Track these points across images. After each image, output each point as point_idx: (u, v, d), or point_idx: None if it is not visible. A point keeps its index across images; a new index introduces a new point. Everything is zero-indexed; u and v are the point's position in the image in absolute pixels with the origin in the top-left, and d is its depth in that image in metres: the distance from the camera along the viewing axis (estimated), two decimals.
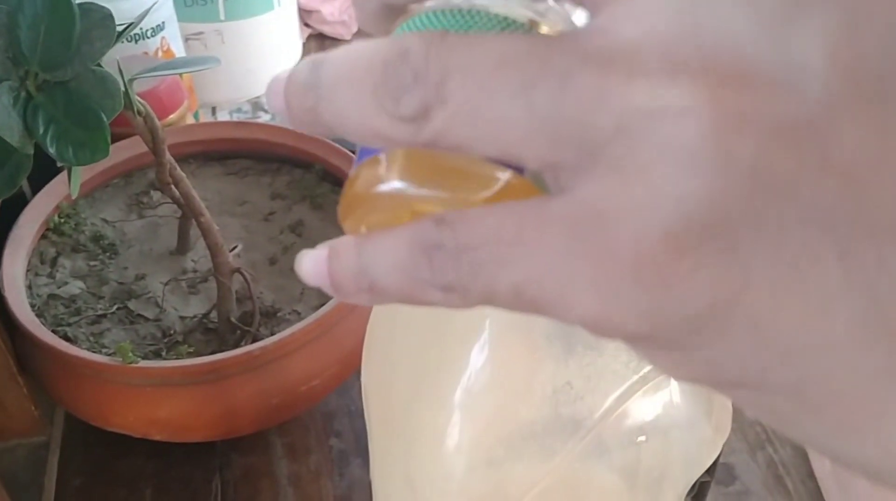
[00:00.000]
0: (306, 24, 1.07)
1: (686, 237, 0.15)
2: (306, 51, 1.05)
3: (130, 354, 0.55)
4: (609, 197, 0.15)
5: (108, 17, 0.48)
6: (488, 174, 0.18)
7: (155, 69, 0.54)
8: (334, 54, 0.18)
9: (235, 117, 0.96)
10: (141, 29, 0.80)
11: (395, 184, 0.19)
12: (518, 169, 0.18)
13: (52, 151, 0.47)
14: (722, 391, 0.17)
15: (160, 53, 0.82)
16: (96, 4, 0.48)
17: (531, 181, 0.18)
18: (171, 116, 0.75)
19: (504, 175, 0.18)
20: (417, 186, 0.19)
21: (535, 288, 0.16)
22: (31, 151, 0.48)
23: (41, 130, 0.47)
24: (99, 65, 0.49)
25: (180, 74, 0.83)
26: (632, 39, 0.15)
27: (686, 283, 0.15)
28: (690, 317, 0.15)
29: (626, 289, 0.15)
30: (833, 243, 0.14)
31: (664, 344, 0.16)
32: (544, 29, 0.19)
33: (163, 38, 0.82)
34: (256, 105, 0.98)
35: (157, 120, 0.55)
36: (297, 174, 0.73)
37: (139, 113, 0.54)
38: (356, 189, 0.20)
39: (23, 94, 0.48)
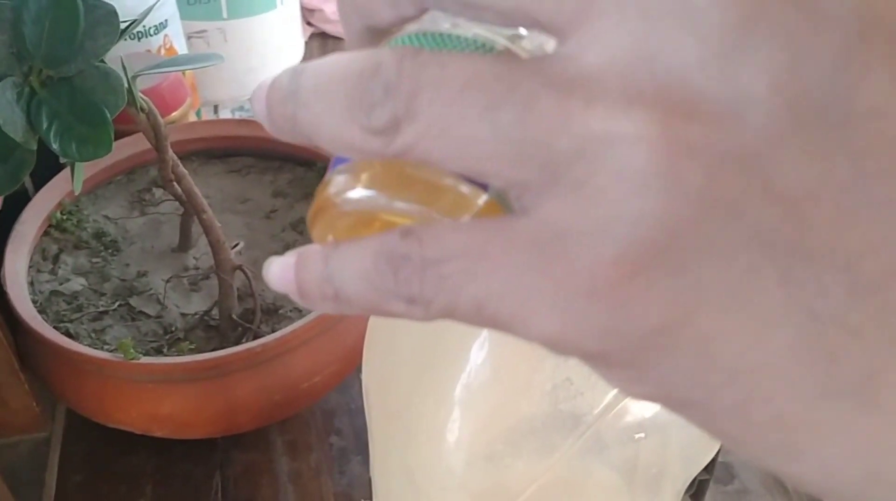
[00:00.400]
0: (309, 23, 1.07)
1: (639, 259, 0.15)
2: (308, 49, 1.05)
3: (132, 350, 0.55)
4: (569, 218, 0.16)
5: (111, 13, 0.48)
6: (456, 191, 0.19)
7: (158, 66, 0.54)
8: (314, 64, 0.18)
9: (237, 115, 0.97)
10: (144, 27, 0.80)
11: (365, 193, 0.20)
12: (485, 186, 0.19)
13: (55, 146, 0.47)
14: (675, 410, 0.17)
15: (163, 51, 0.83)
16: (100, 1, 0.48)
17: (496, 200, 0.19)
18: (174, 114, 0.75)
19: (471, 192, 0.19)
20: (387, 198, 0.19)
21: (496, 304, 0.16)
22: (35, 147, 0.48)
23: (45, 126, 0.47)
24: (102, 61, 0.49)
25: (183, 72, 0.83)
26: (593, 67, 0.16)
27: (639, 303, 0.15)
28: (643, 336, 0.16)
29: (583, 308, 0.16)
30: (775, 267, 0.15)
31: (619, 362, 0.17)
32: (519, 55, 0.19)
33: (166, 35, 0.83)
34: None
35: (159, 117, 0.55)
36: (299, 172, 0.74)
37: (142, 110, 0.54)
38: (326, 195, 0.20)
39: (27, 89, 0.48)
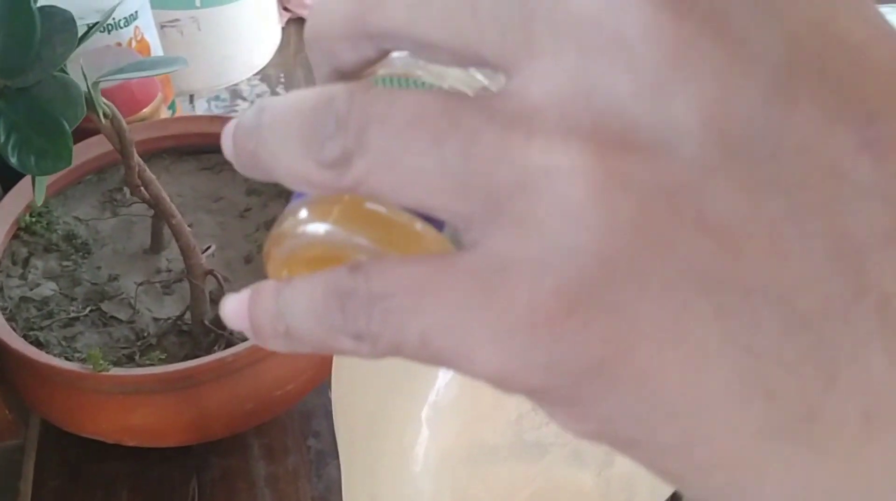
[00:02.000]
0: (285, 9, 1.06)
1: (575, 293, 0.15)
2: (286, 36, 1.03)
3: (101, 361, 0.54)
4: (510, 250, 0.16)
5: (69, 21, 0.47)
6: (412, 229, 0.19)
7: (121, 71, 0.53)
8: (276, 100, 0.19)
9: (213, 105, 0.95)
10: (113, 19, 0.79)
11: (322, 227, 0.20)
12: (440, 226, 0.19)
13: (13, 160, 0.46)
14: (620, 449, 0.17)
15: (134, 43, 0.81)
16: (58, 8, 0.47)
17: (451, 239, 0.19)
18: (145, 110, 0.74)
19: (426, 231, 0.19)
20: (344, 233, 0.19)
21: (440, 339, 0.16)
22: None
23: (2, 139, 0.46)
24: (63, 69, 0.48)
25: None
26: (534, 102, 0.16)
27: (577, 338, 0.15)
28: (583, 372, 0.16)
29: (523, 342, 0.16)
30: (710, 301, 0.15)
31: (562, 399, 0.16)
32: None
33: (136, 27, 0.81)
34: (235, 93, 0.96)
35: (123, 122, 0.54)
36: None
37: (105, 115, 0.53)
38: (283, 230, 0.20)
39: None
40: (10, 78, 0.47)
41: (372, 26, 0.18)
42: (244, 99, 0.96)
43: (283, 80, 0.98)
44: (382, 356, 0.18)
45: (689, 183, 0.15)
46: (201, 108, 0.95)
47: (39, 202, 0.50)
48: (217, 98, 0.96)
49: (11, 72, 0.46)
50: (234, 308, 0.20)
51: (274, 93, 0.97)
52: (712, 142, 0.15)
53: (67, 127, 0.46)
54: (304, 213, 0.20)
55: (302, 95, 0.18)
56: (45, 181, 0.49)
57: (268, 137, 0.18)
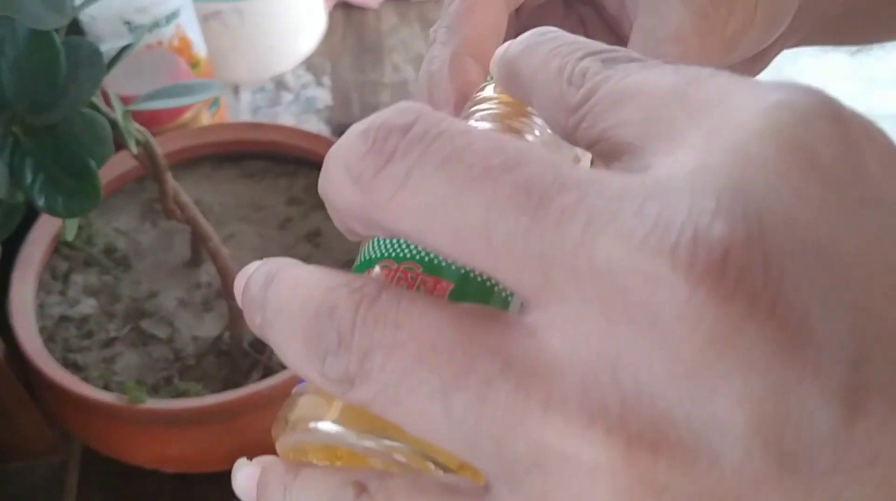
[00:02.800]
0: None
1: None
2: (332, 22, 1.00)
3: (137, 392, 0.53)
4: None
5: (95, 53, 0.45)
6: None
7: (155, 96, 0.51)
8: (283, 277, 0.17)
9: (258, 97, 0.93)
10: (154, 17, 0.77)
11: (332, 427, 0.19)
12: None
13: (40, 202, 0.44)
14: None
15: (175, 41, 0.79)
16: (84, 41, 0.45)
17: None
18: (186, 116, 0.72)
19: None
20: (354, 435, 0.18)
21: None
22: (22, 199, 0.46)
23: (29, 180, 0.45)
24: (92, 104, 0.46)
25: (195, 65, 0.80)
26: (554, 358, 0.14)
27: None
28: None
29: None
30: None
31: None
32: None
33: (177, 25, 0.79)
34: (280, 83, 0.94)
35: (157, 147, 0.52)
36: (315, 177, 0.70)
37: (138, 142, 0.51)
38: (293, 417, 0.20)
39: (10, 139, 0.45)
40: (36, 114, 0.45)
41: (379, 223, 0.16)
42: (289, 90, 0.94)
43: (329, 69, 0.96)
44: None
45: (735, 497, 0.13)
46: (246, 100, 0.93)
47: (71, 237, 0.48)
48: (262, 90, 0.94)
49: (37, 109, 0.45)
50: (244, 485, 0.19)
51: (319, 83, 0.94)
52: (761, 450, 0.13)
53: (95, 167, 0.45)
54: (317, 403, 0.19)
55: (309, 284, 0.17)
56: (76, 219, 0.48)
57: (273, 322, 0.17)
